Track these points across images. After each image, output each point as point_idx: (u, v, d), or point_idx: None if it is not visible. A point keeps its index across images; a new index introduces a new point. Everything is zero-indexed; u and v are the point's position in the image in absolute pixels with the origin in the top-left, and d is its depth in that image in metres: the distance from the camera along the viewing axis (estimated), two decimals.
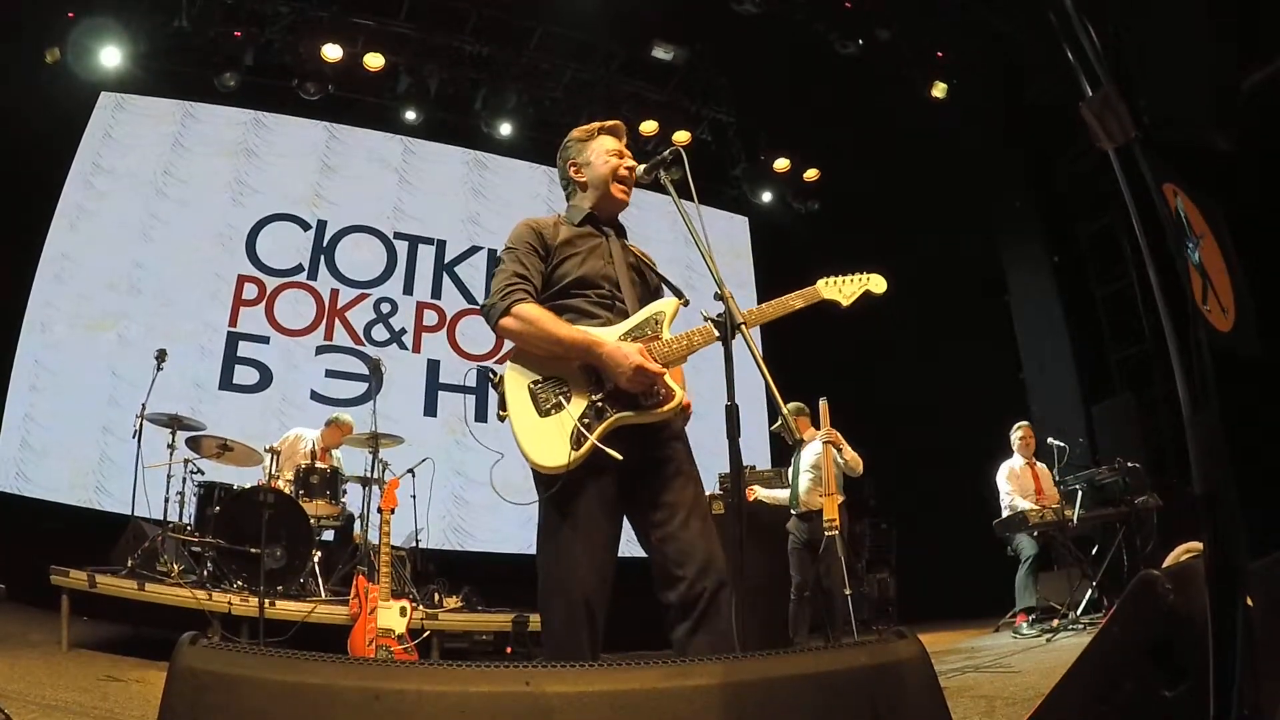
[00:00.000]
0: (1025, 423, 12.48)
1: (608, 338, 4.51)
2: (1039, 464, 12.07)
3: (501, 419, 4.46)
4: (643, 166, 5.09)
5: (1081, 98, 2.60)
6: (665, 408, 4.49)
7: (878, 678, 2.93)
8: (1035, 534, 11.18)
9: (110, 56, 13.76)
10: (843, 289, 5.30)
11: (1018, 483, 11.92)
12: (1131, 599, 3.42)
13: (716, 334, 4.45)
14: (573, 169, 5.18)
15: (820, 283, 5.30)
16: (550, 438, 4.32)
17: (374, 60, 14.92)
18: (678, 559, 4.45)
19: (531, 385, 4.46)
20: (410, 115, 15.82)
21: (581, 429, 4.32)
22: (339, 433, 11.67)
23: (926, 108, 15.68)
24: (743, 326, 4.29)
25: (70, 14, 13.63)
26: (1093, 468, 11.51)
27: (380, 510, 9.16)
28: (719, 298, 4.40)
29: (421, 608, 9.94)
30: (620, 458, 4.27)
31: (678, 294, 5.03)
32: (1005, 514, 11.68)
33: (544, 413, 4.40)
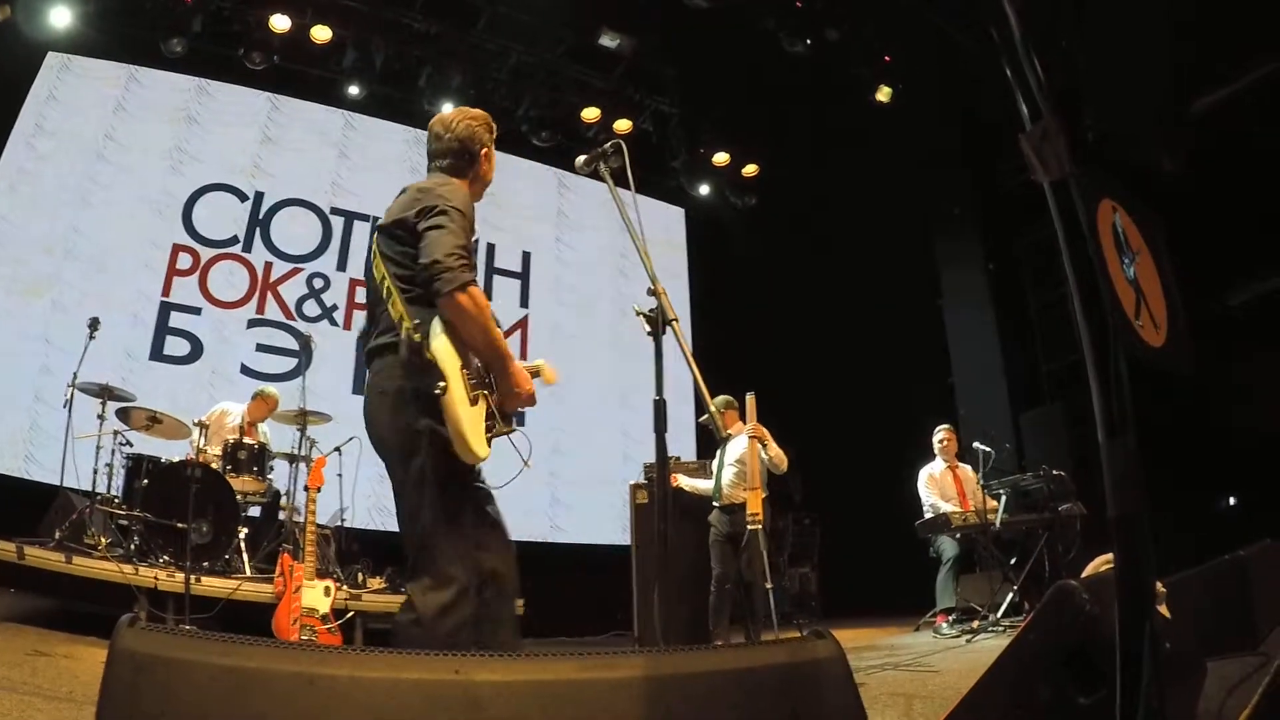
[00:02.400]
0: (947, 425, 12.67)
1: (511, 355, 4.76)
2: (962, 466, 12.25)
3: (440, 391, 4.27)
4: (583, 157, 5.29)
5: (1022, 125, 2.76)
6: (508, 431, 4.73)
7: (796, 676, 3.13)
8: (957, 536, 11.41)
9: (60, 16, 13.72)
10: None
11: (937, 486, 12.14)
12: (1050, 607, 3.67)
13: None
14: (485, 156, 5.22)
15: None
16: (479, 428, 4.45)
17: (321, 33, 14.88)
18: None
19: (463, 371, 4.42)
20: (354, 90, 15.84)
21: (489, 427, 4.56)
22: (265, 406, 11.69)
23: (871, 110, 15.83)
24: (674, 323, 4.59)
25: None
26: (1018, 474, 11.65)
27: (307, 488, 9.36)
28: (652, 292, 4.68)
29: (346, 588, 10.06)
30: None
31: None
32: (927, 515, 11.89)
33: (472, 402, 4.43)
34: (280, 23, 14.55)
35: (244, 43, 14.80)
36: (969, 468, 12.07)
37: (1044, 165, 2.54)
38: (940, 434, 12.46)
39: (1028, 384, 15.49)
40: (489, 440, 4.54)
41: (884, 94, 15.79)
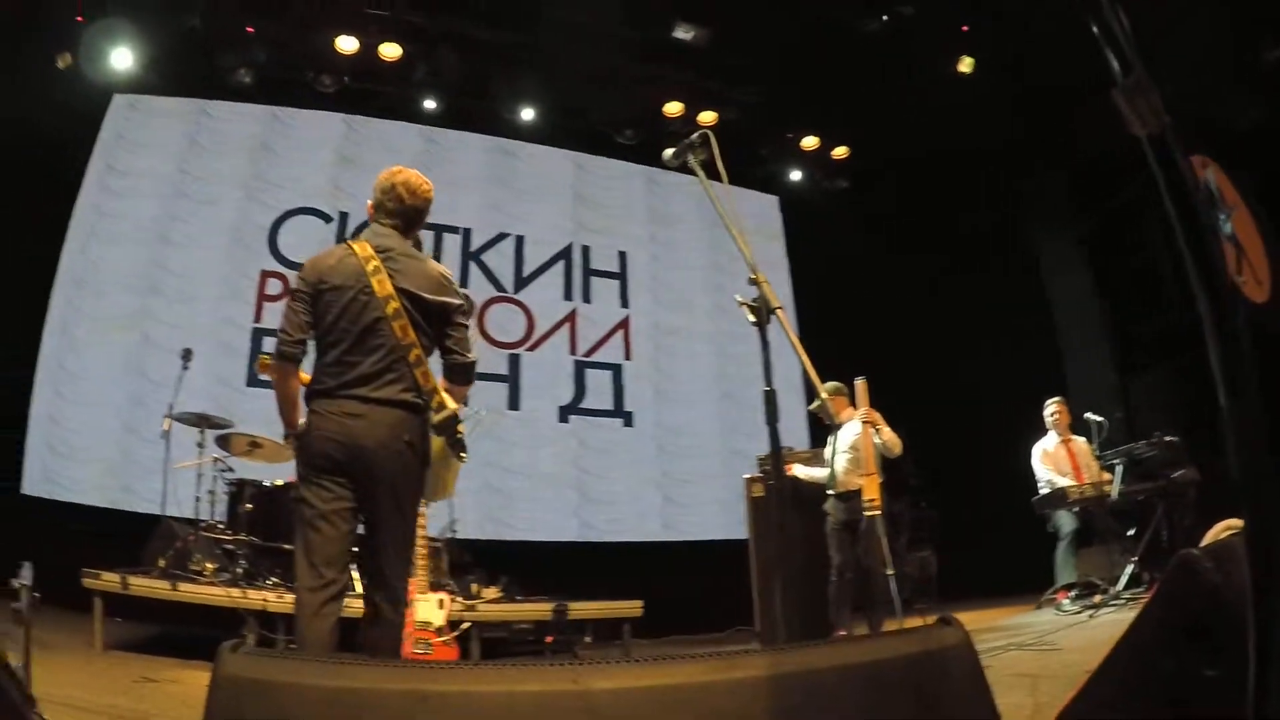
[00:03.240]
0: (1058, 399, 12.32)
1: None
2: (1076, 439, 11.90)
3: (462, 460, 5.52)
4: (670, 150, 5.40)
5: (1111, 79, 2.50)
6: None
7: (922, 666, 3.03)
8: (1075, 510, 11.10)
9: (122, 58, 13.76)
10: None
11: (1052, 461, 11.80)
12: (1172, 578, 3.44)
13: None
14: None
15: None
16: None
17: (390, 50, 14.72)
18: None
19: None
20: (429, 104, 15.69)
21: None
22: None
23: (953, 82, 15.50)
24: (778, 310, 4.65)
25: (80, 18, 13.54)
26: (1130, 442, 11.26)
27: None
28: (753, 282, 4.74)
29: (460, 599, 9.86)
30: None
31: None
32: (1043, 491, 11.58)
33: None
34: (347, 44, 14.46)
35: (312, 67, 14.76)
36: (1082, 440, 11.80)
37: (1139, 119, 2.39)
38: (1051, 407, 12.14)
39: (1133, 348, 15.15)
40: None
41: (966, 65, 15.44)
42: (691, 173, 5.20)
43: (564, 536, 14.21)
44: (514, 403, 14.55)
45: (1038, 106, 15.41)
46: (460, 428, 5.36)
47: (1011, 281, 16.49)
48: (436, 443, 5.38)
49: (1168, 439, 10.60)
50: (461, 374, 5.55)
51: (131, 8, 13.64)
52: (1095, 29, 2.52)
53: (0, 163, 11.51)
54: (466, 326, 5.62)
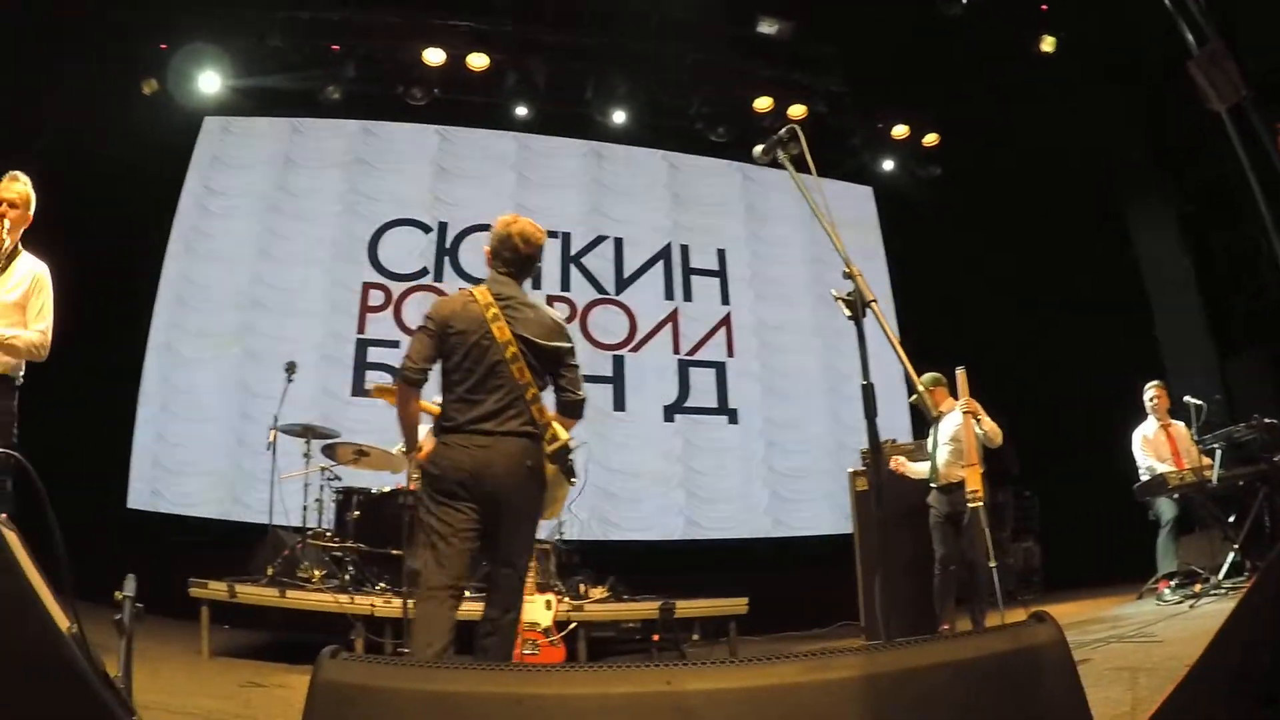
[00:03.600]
0: (1157, 383, 12.08)
1: None
2: (1175, 424, 11.66)
3: (572, 484, 6.12)
4: (760, 147, 5.36)
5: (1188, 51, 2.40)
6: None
7: (1016, 664, 2.99)
8: (1175, 497, 10.89)
9: (209, 82, 14.09)
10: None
11: (1152, 447, 11.57)
12: (1272, 569, 3.32)
13: None
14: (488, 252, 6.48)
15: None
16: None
17: (477, 60, 14.82)
18: None
19: None
20: (521, 111, 15.73)
21: None
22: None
23: (1038, 62, 15.30)
24: (873, 304, 4.61)
25: (163, 45, 13.87)
26: (1230, 425, 10.99)
27: None
28: (847, 276, 4.70)
29: (567, 600, 9.92)
30: None
31: None
32: (1144, 478, 11.34)
33: None
34: (434, 56, 14.60)
35: (401, 80, 14.88)
36: (1182, 424, 11.55)
37: (1217, 91, 2.06)
38: (1150, 392, 11.86)
39: (1231, 330, 14.76)
40: None
41: (1048, 44, 15.19)
42: (783, 168, 5.22)
43: (671, 535, 14.20)
44: (619, 403, 14.57)
45: (1127, 82, 15.24)
46: (570, 455, 5.99)
47: (1107, 263, 16.19)
48: (550, 468, 5.86)
49: (1267, 421, 10.37)
50: (573, 410, 6.12)
51: (214, 31, 13.95)
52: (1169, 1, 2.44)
53: (94, 189, 11.83)
54: (577, 367, 6.16)
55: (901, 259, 17.22)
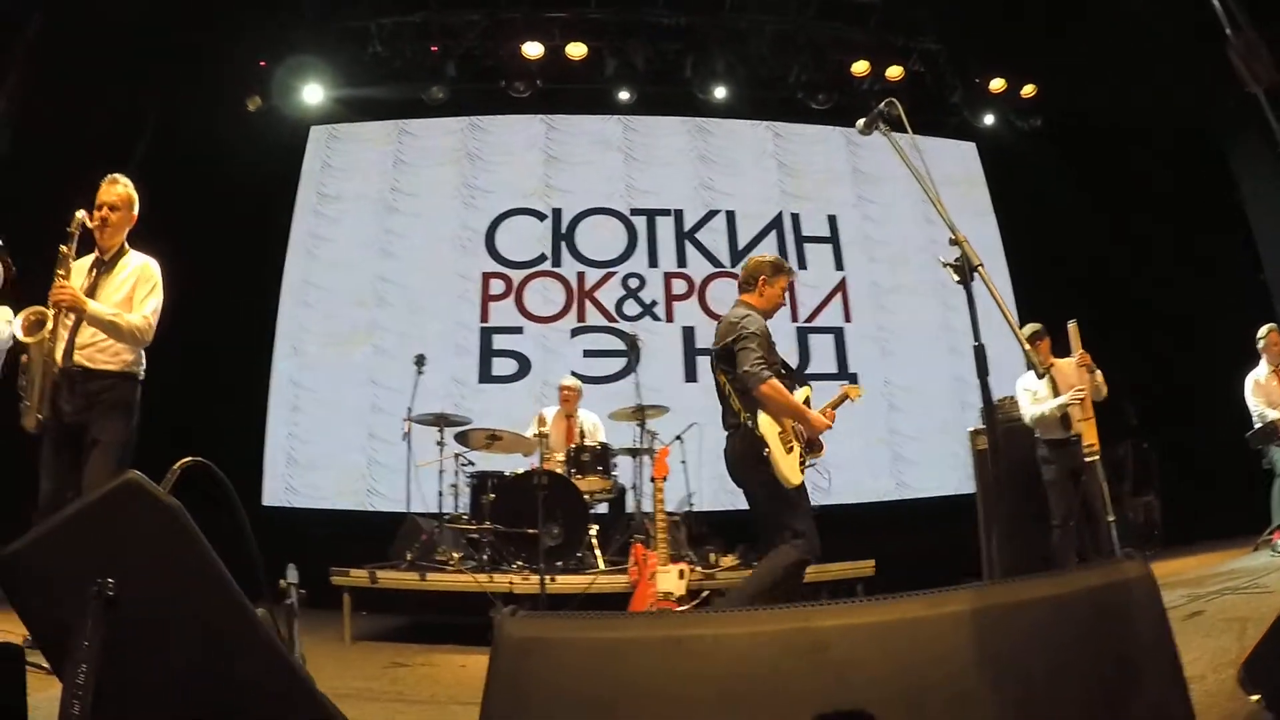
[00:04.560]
0: (1272, 325, 11.48)
1: (810, 410, 7.05)
2: None
3: (766, 454, 6.61)
4: (862, 121, 5.80)
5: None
6: (820, 454, 7.21)
7: (1106, 596, 3.12)
8: None
9: (313, 94, 14.60)
10: (855, 392, 7.84)
11: (1264, 392, 11.20)
12: None
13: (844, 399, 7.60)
14: (763, 282, 7.36)
15: (846, 388, 7.82)
16: (794, 465, 6.72)
17: (576, 50, 15.02)
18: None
19: (779, 434, 6.71)
20: (624, 95, 15.95)
21: (803, 464, 6.87)
22: (571, 395, 12.05)
23: (1133, 10, 14.88)
24: (980, 268, 4.97)
25: (263, 62, 14.37)
26: None
27: (653, 479, 9.33)
28: (954, 242, 5.07)
29: (699, 569, 10.06)
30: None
31: (802, 381, 7.61)
32: (1256, 425, 11.10)
33: (787, 451, 6.71)
34: (533, 50, 14.79)
35: (503, 74, 15.11)
36: None
37: (1254, 75, 2.13)
38: (1263, 333, 11.36)
39: None
40: (804, 468, 6.85)
41: None
42: (886, 138, 5.60)
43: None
44: None
45: (1224, 19, 14.95)
46: (755, 428, 6.69)
47: (1214, 206, 15.71)
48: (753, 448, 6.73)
49: None
50: (742, 394, 6.80)
51: (314, 44, 14.36)
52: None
53: (210, 205, 12.32)
54: (740, 352, 6.77)
55: (1010, 213, 16.95)
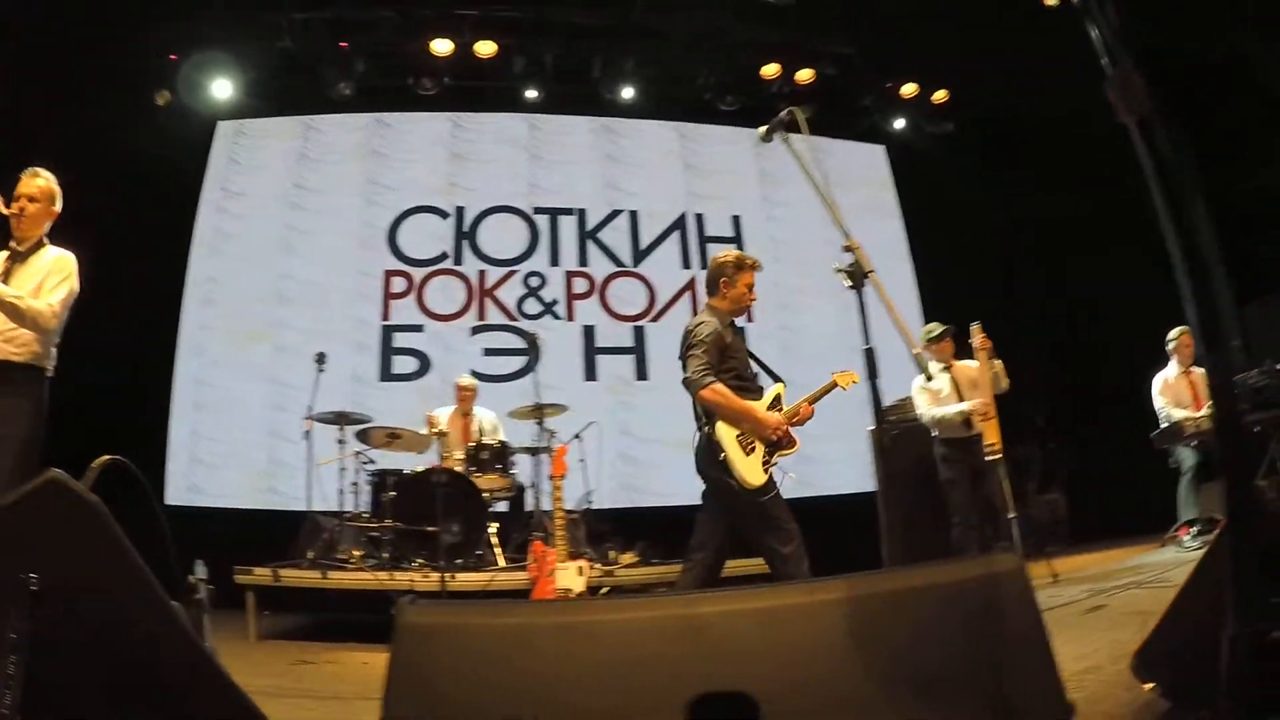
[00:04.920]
0: (1183, 327, 11.68)
1: (760, 410, 6.99)
2: (1196, 370, 11.63)
3: (723, 458, 6.74)
4: (763, 129, 6.00)
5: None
6: (791, 450, 7.09)
7: (978, 587, 3.43)
8: (1194, 444, 11.09)
9: (221, 89, 14.55)
10: (845, 378, 7.97)
11: (1171, 392, 11.73)
12: (1236, 508, 3.66)
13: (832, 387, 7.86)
14: (724, 283, 7.37)
15: (834, 375, 7.96)
16: (754, 466, 6.77)
17: (485, 47, 15.07)
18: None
19: (737, 437, 6.82)
20: (531, 94, 16.05)
21: (767, 463, 6.88)
22: (467, 394, 12.24)
23: (1046, 14, 15.20)
24: (872, 274, 5.46)
25: (173, 56, 14.34)
26: (1248, 370, 10.55)
27: (552, 477, 9.57)
28: (847, 249, 5.51)
29: (598, 566, 10.34)
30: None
31: (776, 378, 7.55)
32: (1163, 425, 11.56)
33: (747, 453, 6.80)
34: (441, 46, 14.85)
35: (411, 72, 15.19)
36: (1202, 371, 11.10)
37: (1125, 106, 2.72)
38: (1175, 336, 11.88)
39: (1252, 273, 14.33)
40: (768, 467, 6.87)
41: None
42: (787, 145, 5.79)
43: (697, 499, 14.11)
44: (641, 373, 14.90)
45: (1138, 29, 15.27)
46: (712, 433, 6.86)
47: (1125, 207, 15.98)
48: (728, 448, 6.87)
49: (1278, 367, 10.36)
50: (692, 396, 7.01)
51: (223, 39, 14.37)
52: (1089, 26, 2.83)
53: (115, 200, 12.20)
54: (687, 359, 7.02)
55: (918, 216, 17.29)
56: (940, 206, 16.65)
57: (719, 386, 6.84)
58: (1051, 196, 15.59)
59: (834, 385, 7.87)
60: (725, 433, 6.83)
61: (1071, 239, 15.55)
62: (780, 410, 7.16)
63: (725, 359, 7.12)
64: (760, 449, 6.87)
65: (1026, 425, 13.76)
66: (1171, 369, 11.88)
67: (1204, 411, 11.10)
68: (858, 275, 5.45)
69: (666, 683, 3.09)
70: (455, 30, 14.92)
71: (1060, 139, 15.41)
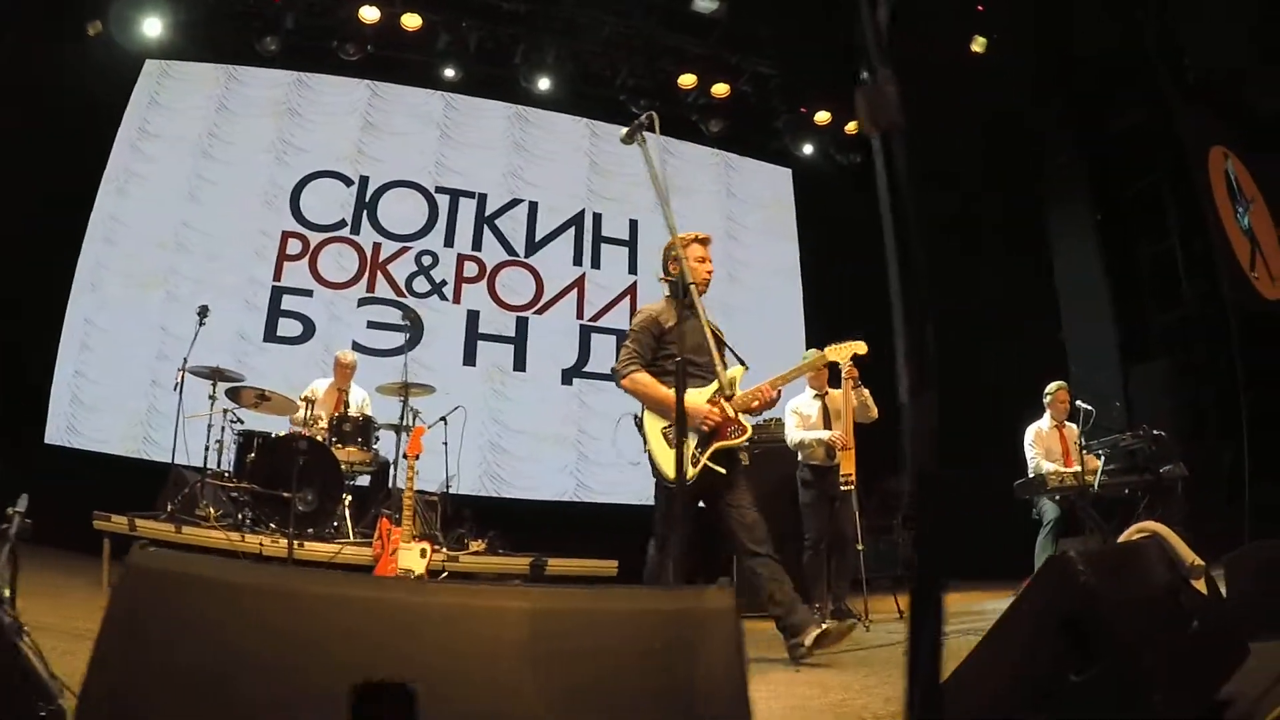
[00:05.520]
0: (1061, 383, 12.38)
1: (690, 398, 6.32)
2: (1070, 426, 11.94)
3: (645, 449, 6.98)
4: (624, 130, 6.00)
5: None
6: (740, 439, 6.90)
7: (679, 621, 3.25)
8: (1055, 498, 11.28)
9: (152, 26, 14.59)
10: (841, 351, 7.81)
11: (1043, 444, 11.92)
12: (1045, 576, 3.97)
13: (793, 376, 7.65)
14: (674, 259, 7.03)
15: (828, 349, 7.70)
16: (670, 460, 6.71)
17: (411, 20, 15.43)
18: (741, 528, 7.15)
19: (663, 430, 6.86)
20: (450, 72, 16.54)
21: (693, 458, 6.73)
22: (344, 369, 12.58)
23: (967, 61, 15.63)
24: (693, 286, 5.83)
25: None
26: (1124, 432, 11.37)
27: (406, 456, 9.86)
28: (675, 259, 6.14)
29: (444, 550, 10.62)
30: (724, 471, 6.94)
31: (741, 361, 7.24)
32: (1030, 474, 11.72)
33: (670, 445, 6.68)
34: (370, 14, 15.08)
35: (337, 35, 15.38)
36: (1075, 427, 11.81)
37: (873, 119, 2.45)
38: (1052, 390, 12.23)
39: (1139, 338, 15.22)
40: (699, 461, 6.78)
41: (979, 44, 15.62)
42: (643, 148, 5.92)
43: (562, 496, 14.81)
44: (519, 364, 15.20)
45: (1056, 85, 15.76)
46: (641, 424, 7.11)
47: (1022, 263, 16.54)
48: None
49: (1155, 433, 10.78)
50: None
51: None
52: (863, 30, 2.99)
53: (33, 128, 12.40)
54: (622, 348, 7.25)
55: (816, 242, 17.67)
56: (839, 236, 16.78)
57: (637, 377, 6.99)
58: (949, 237, 15.91)
59: (820, 361, 8.35)
60: (650, 424, 7.00)
61: (963, 283, 15.30)
62: (733, 396, 6.97)
63: (662, 344, 7.13)
64: (691, 442, 6.70)
65: (898, 461, 14.31)
66: (1045, 421, 12.16)
67: (1074, 468, 11.27)
68: (679, 286, 5.92)
69: (335, 666, 2.82)
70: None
71: (965, 187, 15.98)
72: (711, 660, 3.14)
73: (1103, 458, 10.99)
